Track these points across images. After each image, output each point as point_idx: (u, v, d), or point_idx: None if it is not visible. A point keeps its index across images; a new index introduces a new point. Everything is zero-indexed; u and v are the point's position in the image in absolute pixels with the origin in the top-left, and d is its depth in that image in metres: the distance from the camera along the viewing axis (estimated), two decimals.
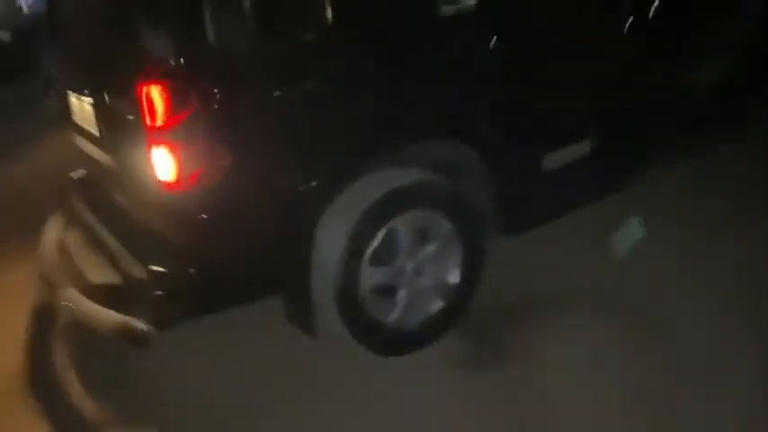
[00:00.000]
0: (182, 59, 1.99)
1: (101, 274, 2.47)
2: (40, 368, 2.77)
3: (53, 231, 2.96)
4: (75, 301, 2.39)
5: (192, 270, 2.15)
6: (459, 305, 2.66)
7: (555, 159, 2.87)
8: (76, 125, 2.79)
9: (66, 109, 2.88)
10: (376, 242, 2.36)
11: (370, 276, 2.39)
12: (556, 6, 2.73)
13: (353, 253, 2.31)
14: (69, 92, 2.73)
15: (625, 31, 2.96)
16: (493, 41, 2.55)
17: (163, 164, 2.05)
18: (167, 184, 2.07)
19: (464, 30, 2.52)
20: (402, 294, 2.52)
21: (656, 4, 3.01)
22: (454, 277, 2.61)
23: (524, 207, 2.85)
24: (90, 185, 3.00)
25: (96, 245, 2.68)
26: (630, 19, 2.97)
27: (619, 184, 3.20)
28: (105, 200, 2.79)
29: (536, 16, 2.69)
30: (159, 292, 2.17)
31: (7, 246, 3.78)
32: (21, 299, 3.19)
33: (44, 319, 3.02)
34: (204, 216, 2.12)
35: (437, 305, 2.61)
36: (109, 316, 2.22)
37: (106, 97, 2.37)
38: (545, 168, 2.86)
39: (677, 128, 3.35)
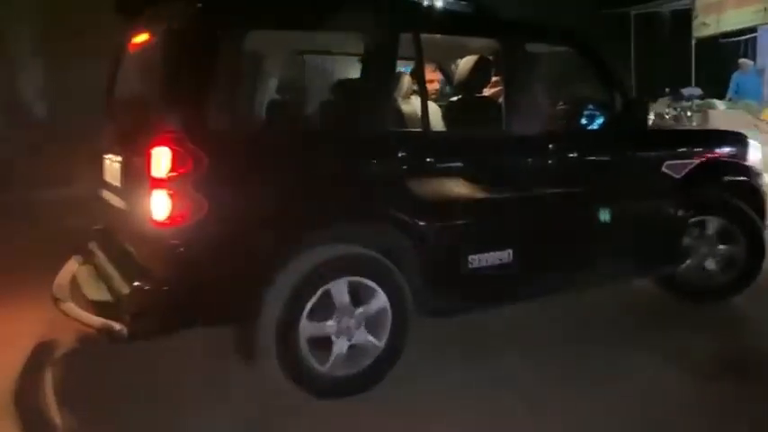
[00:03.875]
0: (186, 132, 2.77)
1: (97, 294, 3.16)
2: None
3: (69, 266, 3.67)
4: (72, 311, 3.06)
5: (165, 288, 2.80)
6: (383, 365, 3.18)
7: (478, 261, 3.46)
8: (105, 182, 3.59)
9: (100, 171, 3.69)
10: (314, 299, 2.97)
11: (307, 328, 2.97)
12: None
13: (295, 305, 2.92)
14: (106, 155, 3.55)
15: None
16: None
17: (157, 205, 2.76)
18: (158, 222, 2.78)
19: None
20: (337, 347, 3.07)
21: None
22: (382, 340, 3.16)
23: (447, 297, 3.43)
24: (106, 234, 3.75)
25: (101, 276, 3.38)
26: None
27: (534, 293, 3.78)
28: (115, 242, 3.51)
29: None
30: (137, 304, 2.81)
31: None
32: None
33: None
34: (181, 248, 2.79)
35: (365, 362, 3.15)
36: (95, 319, 2.87)
37: (128, 156, 3.17)
38: (469, 266, 3.43)
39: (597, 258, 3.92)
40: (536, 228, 3.63)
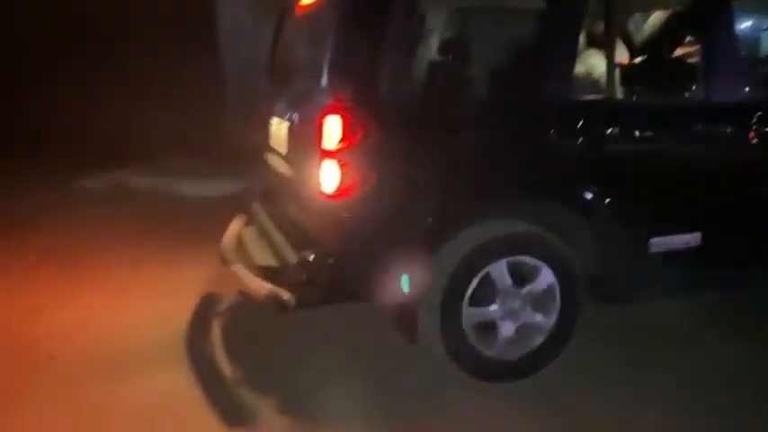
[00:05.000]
0: (358, 101, 2.66)
1: (264, 258, 3.19)
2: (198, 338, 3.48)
3: (235, 226, 3.76)
4: (240, 272, 3.10)
5: (331, 260, 2.75)
6: (553, 346, 2.98)
7: (662, 244, 3.13)
8: (270, 147, 3.60)
9: (265, 135, 3.71)
10: (477, 281, 2.81)
11: (469, 314, 2.82)
12: None
13: (456, 285, 2.78)
14: (274, 117, 3.54)
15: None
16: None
17: (327, 177, 2.70)
18: (327, 194, 2.71)
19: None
20: (502, 330, 2.91)
21: None
22: (551, 319, 2.95)
23: (624, 282, 3.14)
24: (269, 195, 3.79)
25: (266, 239, 3.42)
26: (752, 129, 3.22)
27: (719, 283, 3.36)
28: (278, 206, 3.54)
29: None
30: (304, 274, 2.79)
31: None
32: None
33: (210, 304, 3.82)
34: (349, 221, 2.72)
35: (536, 342, 2.95)
36: (263, 285, 2.88)
37: (297, 122, 3.12)
38: (650, 251, 3.11)
39: None
40: (731, 210, 3.21)
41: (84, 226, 5.48)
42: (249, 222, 3.79)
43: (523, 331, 2.94)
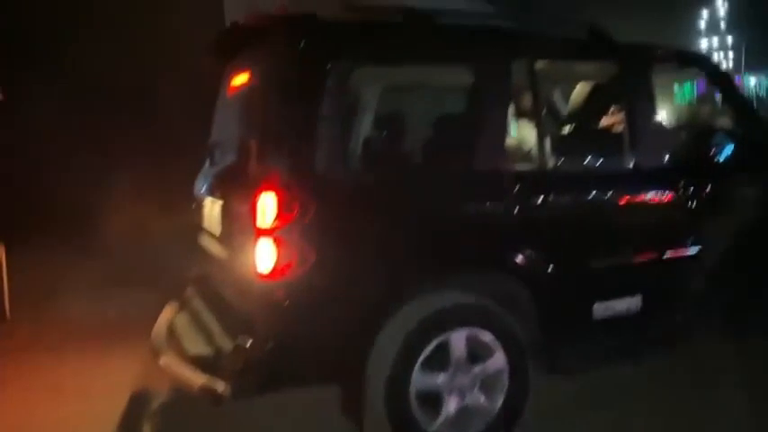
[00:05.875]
0: (292, 177, 2.58)
1: (198, 346, 2.99)
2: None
3: (167, 314, 3.54)
4: (172, 364, 2.88)
5: (269, 345, 2.58)
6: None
7: (604, 309, 3.11)
8: (204, 228, 3.46)
9: (200, 216, 3.58)
10: (428, 351, 2.69)
11: (418, 380, 2.69)
12: None
13: (406, 357, 2.66)
14: (207, 198, 3.42)
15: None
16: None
17: (263, 256, 2.57)
18: (263, 274, 2.58)
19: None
20: (447, 406, 2.77)
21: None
22: (497, 402, 2.84)
23: (570, 350, 3.10)
24: (203, 279, 3.61)
25: (199, 325, 3.22)
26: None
27: (666, 343, 3.36)
28: (213, 290, 3.36)
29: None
30: (241, 362, 2.61)
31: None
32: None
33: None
34: (287, 303, 2.58)
35: (478, 427, 2.82)
36: (196, 376, 2.68)
37: (230, 202, 3.01)
38: (594, 316, 3.09)
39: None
40: (668, 271, 3.25)
41: None
42: (182, 309, 3.58)
43: (466, 413, 2.82)
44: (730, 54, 42.89)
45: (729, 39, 42.80)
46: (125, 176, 7.04)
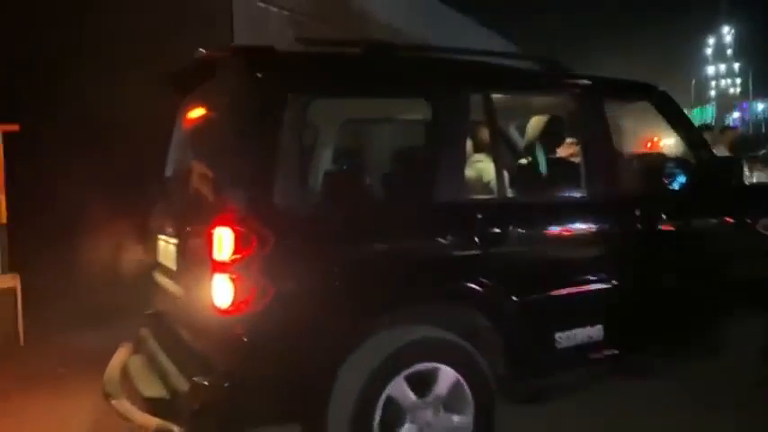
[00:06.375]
0: (249, 211, 2.53)
1: (152, 388, 2.86)
2: None
3: (120, 356, 3.40)
4: (125, 407, 2.76)
5: (226, 384, 2.49)
6: None
7: (566, 339, 3.12)
8: (159, 264, 3.36)
9: (154, 252, 3.47)
10: (391, 387, 2.63)
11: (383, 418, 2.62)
12: None
13: (370, 393, 2.60)
14: (160, 236, 3.33)
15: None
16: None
17: (220, 292, 2.50)
18: (220, 309, 2.50)
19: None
20: None
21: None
22: (469, 416, 2.77)
23: (532, 380, 3.08)
24: (158, 318, 3.49)
25: (154, 366, 3.09)
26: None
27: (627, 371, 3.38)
28: (169, 330, 3.24)
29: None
30: (197, 403, 2.50)
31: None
32: None
33: None
34: (245, 339, 2.50)
35: None
36: (150, 420, 2.56)
37: (185, 237, 2.93)
38: (556, 346, 3.09)
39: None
40: (627, 300, 3.28)
41: None
42: (136, 350, 3.44)
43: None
44: (737, 80, 43.02)
45: (736, 65, 42.91)
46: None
